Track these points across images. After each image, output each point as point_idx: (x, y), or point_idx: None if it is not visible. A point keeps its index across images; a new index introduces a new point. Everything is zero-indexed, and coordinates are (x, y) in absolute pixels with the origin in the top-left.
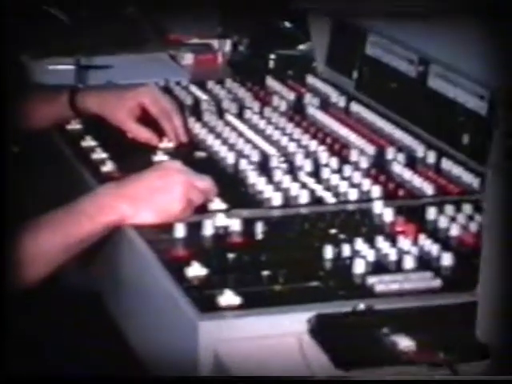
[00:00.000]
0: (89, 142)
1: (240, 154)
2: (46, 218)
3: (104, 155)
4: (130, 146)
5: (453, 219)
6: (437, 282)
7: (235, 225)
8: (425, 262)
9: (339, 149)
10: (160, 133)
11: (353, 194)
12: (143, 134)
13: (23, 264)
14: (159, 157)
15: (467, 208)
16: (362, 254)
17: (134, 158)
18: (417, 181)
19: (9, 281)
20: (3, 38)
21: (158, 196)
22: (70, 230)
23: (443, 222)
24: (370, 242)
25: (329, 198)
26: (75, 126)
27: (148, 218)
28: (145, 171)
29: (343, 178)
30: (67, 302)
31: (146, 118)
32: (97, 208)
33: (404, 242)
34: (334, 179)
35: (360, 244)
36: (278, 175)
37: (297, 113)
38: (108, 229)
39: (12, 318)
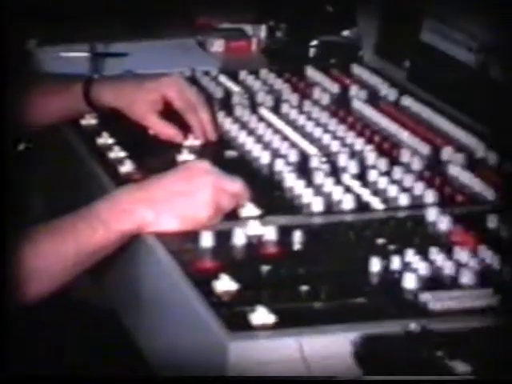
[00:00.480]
0: (105, 139)
1: (276, 154)
2: (53, 224)
3: (122, 154)
4: (151, 144)
5: None
6: (498, 300)
7: (270, 233)
8: (485, 277)
9: (389, 148)
10: (185, 129)
11: (403, 200)
12: (166, 130)
13: (25, 277)
14: (184, 156)
15: None
16: (413, 267)
17: (155, 158)
18: (477, 185)
19: (9, 293)
20: (3, 20)
21: (183, 200)
22: (81, 239)
23: (506, 232)
24: (423, 253)
25: (376, 203)
26: (90, 121)
27: (171, 225)
28: (168, 172)
29: (393, 182)
30: (78, 319)
31: (169, 113)
32: (113, 214)
33: (461, 254)
34: (383, 182)
35: (411, 256)
36: (319, 177)
37: (341, 107)
38: (125, 237)
39: (12, 318)
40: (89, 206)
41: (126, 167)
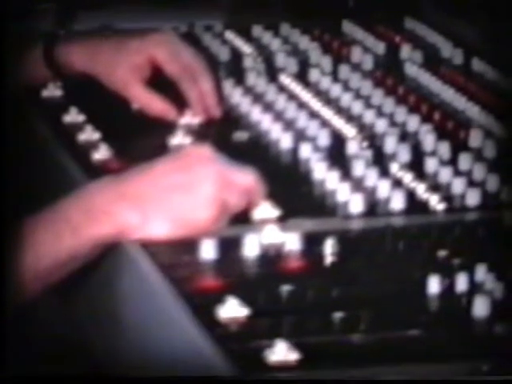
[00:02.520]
0: (74, 115)
1: (301, 136)
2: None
3: (96, 136)
4: (134, 123)
5: None
6: None
7: (293, 242)
8: None
9: (453, 128)
10: (180, 103)
11: (473, 198)
12: (155, 103)
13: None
14: (179, 139)
15: None
16: (486, 288)
17: (140, 141)
18: None
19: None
20: None
21: (178, 197)
22: (44, 248)
23: None
24: (500, 270)
25: (436, 203)
26: (53, 92)
27: (161, 230)
28: (157, 160)
29: (458, 173)
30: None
31: (159, 81)
32: (85, 215)
33: None
34: (445, 175)
35: (483, 273)
36: (359, 168)
37: (389, 73)
38: (100, 246)
39: (12, 317)
40: (52, 206)
41: (101, 153)
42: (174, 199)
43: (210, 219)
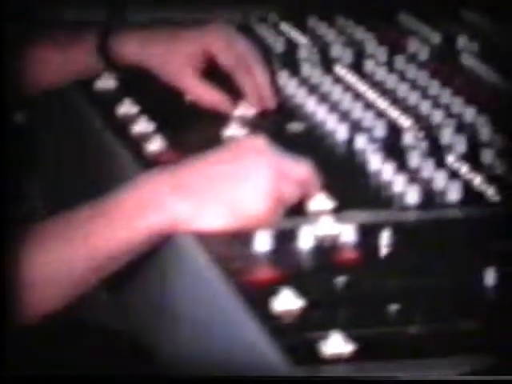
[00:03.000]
0: (128, 107)
1: (357, 127)
2: (60, 220)
3: (150, 127)
4: (188, 114)
5: None
6: None
7: (348, 233)
8: None
9: (509, 119)
10: (235, 94)
11: None
12: (209, 94)
13: (25, 287)
14: (233, 130)
15: None
16: None
17: (193, 132)
18: None
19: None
20: None
21: (232, 189)
22: (96, 240)
23: None
24: None
25: (493, 194)
26: (107, 83)
27: (215, 222)
28: (210, 152)
29: None
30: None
31: (213, 72)
32: (138, 206)
33: None
34: (501, 166)
35: None
36: (415, 159)
37: (445, 64)
38: (154, 238)
39: (12, 317)
40: (105, 197)
41: (155, 144)
42: (228, 191)
43: (265, 211)
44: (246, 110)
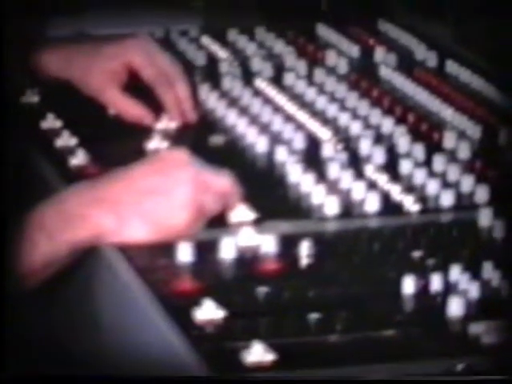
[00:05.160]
0: (51, 121)
1: (277, 139)
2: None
3: (73, 141)
4: (111, 128)
5: None
6: None
7: (269, 244)
8: None
9: (427, 130)
10: (156, 108)
11: (447, 198)
12: (131, 108)
13: None
14: (155, 143)
15: None
16: (460, 287)
17: (117, 145)
18: None
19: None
20: None
21: (155, 201)
22: (23, 255)
23: None
24: (474, 270)
25: (410, 204)
26: (31, 98)
27: (139, 233)
28: (133, 165)
29: (432, 174)
30: None
31: (135, 86)
32: (60, 220)
33: None
34: (419, 176)
35: (458, 273)
36: (334, 170)
37: (363, 76)
38: (77, 250)
39: (12, 317)
40: (29, 210)
41: (79, 158)
42: (150, 203)
43: (186, 223)
44: (167, 123)
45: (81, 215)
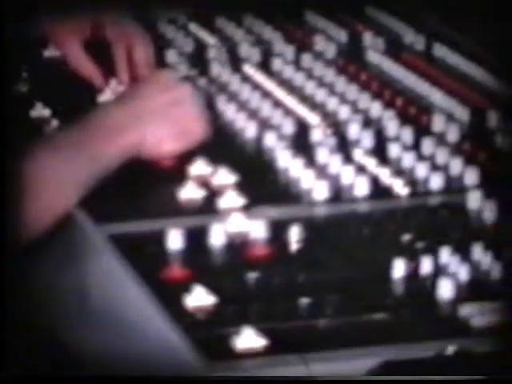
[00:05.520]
0: (40, 110)
1: (265, 125)
2: (55, 136)
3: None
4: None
5: None
6: None
7: (258, 229)
8: None
9: (416, 114)
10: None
11: (436, 182)
12: (86, 66)
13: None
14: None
15: None
16: (450, 270)
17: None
18: None
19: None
20: None
21: (177, 111)
22: (92, 152)
23: None
24: (464, 252)
25: (400, 187)
26: (20, 88)
27: (171, 143)
28: (142, 83)
29: (421, 158)
30: None
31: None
32: (111, 126)
33: None
34: (408, 160)
35: (447, 256)
36: (323, 155)
37: (351, 61)
38: (128, 154)
39: (12, 317)
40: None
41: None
42: (175, 113)
43: (204, 128)
44: (116, 84)
45: (126, 123)
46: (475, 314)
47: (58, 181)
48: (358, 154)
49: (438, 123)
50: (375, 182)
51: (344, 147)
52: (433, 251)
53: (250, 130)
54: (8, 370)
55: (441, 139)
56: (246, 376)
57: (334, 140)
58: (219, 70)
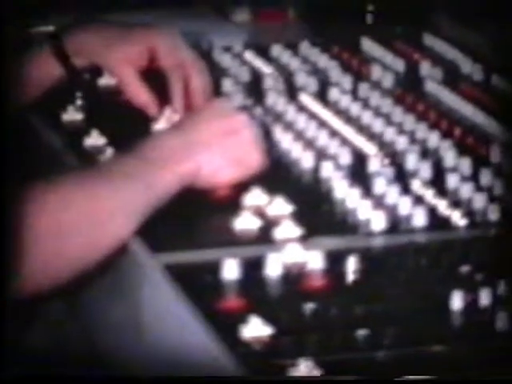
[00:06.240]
0: (95, 138)
1: (322, 154)
2: (108, 166)
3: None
4: (122, 112)
5: None
6: None
7: (315, 260)
8: None
9: (474, 144)
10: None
11: (495, 213)
12: (140, 95)
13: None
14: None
15: None
16: (509, 302)
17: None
18: None
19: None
20: None
21: (232, 140)
22: (149, 181)
23: None
24: None
25: (458, 218)
26: (74, 115)
27: (226, 173)
28: (197, 112)
29: (480, 189)
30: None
31: (154, 73)
32: (168, 154)
33: None
34: (466, 191)
35: (506, 288)
36: (380, 185)
37: (409, 91)
38: (183, 183)
39: (12, 317)
40: (129, 150)
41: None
42: (230, 142)
43: (260, 158)
44: (171, 114)
45: (182, 151)
46: None
47: (113, 210)
48: (416, 185)
49: (495, 154)
50: (433, 212)
51: (401, 178)
52: (491, 283)
53: (306, 159)
54: (8, 370)
55: (498, 170)
56: (246, 376)
57: (392, 170)
58: (275, 99)
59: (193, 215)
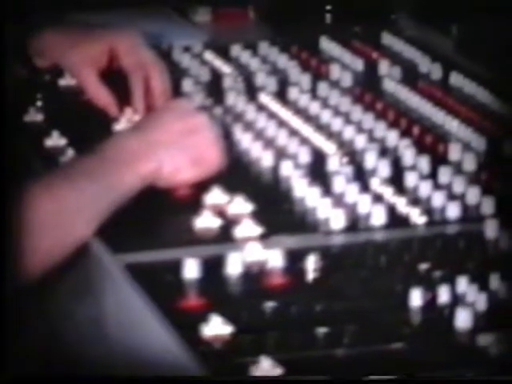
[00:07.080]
0: (56, 139)
1: (282, 154)
2: (71, 167)
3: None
4: (82, 113)
5: None
6: None
7: (275, 259)
8: None
9: (432, 143)
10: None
11: (453, 211)
12: (101, 95)
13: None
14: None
15: None
16: (468, 300)
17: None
18: None
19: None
20: None
21: (193, 139)
22: (110, 181)
23: None
24: (481, 281)
25: (416, 216)
26: (35, 116)
27: (188, 172)
28: (157, 112)
29: (438, 187)
30: None
31: (114, 73)
32: (128, 154)
33: None
34: (425, 189)
35: (465, 285)
36: (340, 183)
37: (367, 90)
38: (144, 183)
39: (12, 317)
40: (92, 150)
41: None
42: (191, 141)
43: (220, 156)
44: (132, 115)
45: (143, 151)
46: (494, 343)
47: (74, 211)
48: (375, 183)
49: (454, 152)
50: (392, 211)
51: (360, 176)
52: (450, 280)
53: (266, 158)
54: (8, 369)
55: (457, 168)
56: (246, 376)
57: (351, 169)
58: (235, 99)
59: (153, 215)
